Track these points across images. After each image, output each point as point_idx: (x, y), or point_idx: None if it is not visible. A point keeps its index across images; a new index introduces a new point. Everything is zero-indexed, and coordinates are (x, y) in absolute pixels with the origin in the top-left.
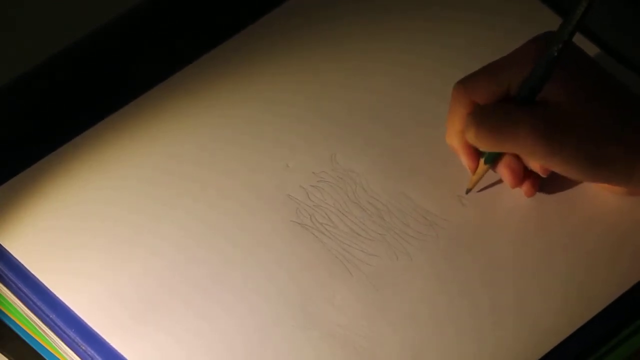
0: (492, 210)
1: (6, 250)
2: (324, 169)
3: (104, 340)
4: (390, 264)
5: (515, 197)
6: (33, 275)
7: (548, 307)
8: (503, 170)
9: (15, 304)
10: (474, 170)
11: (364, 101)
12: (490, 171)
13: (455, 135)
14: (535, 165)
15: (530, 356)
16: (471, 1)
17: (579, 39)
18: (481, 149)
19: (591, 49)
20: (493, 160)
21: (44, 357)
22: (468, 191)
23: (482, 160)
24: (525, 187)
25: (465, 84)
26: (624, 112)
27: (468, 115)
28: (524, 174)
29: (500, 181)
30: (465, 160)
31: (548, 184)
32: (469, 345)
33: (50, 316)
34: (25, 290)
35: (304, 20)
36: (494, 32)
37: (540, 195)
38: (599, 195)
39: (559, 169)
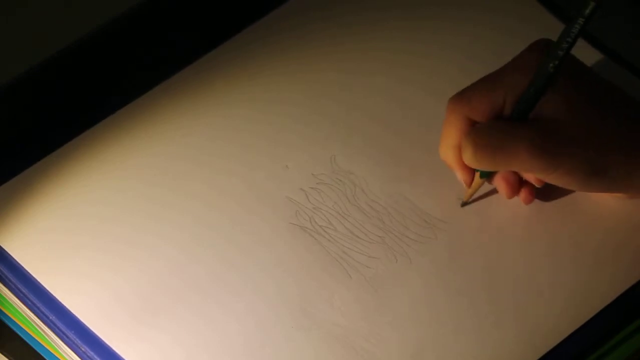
0: (491, 212)
1: (6, 250)
2: (323, 171)
3: (104, 341)
4: (390, 266)
5: (514, 200)
6: (32, 276)
7: (547, 308)
8: (499, 183)
9: (15, 304)
10: (470, 184)
11: (364, 101)
12: None
13: (449, 149)
14: (529, 176)
15: (529, 356)
16: (471, 1)
17: (578, 41)
18: (480, 169)
19: (591, 51)
20: (489, 174)
21: (44, 357)
22: (464, 204)
23: (477, 175)
24: (523, 195)
25: (460, 98)
26: (622, 121)
27: (464, 136)
28: (520, 184)
29: None
30: (460, 175)
31: (548, 186)
32: (468, 347)
33: (50, 317)
34: (25, 291)
35: (304, 20)
36: (494, 32)
37: (539, 197)
38: (598, 198)
39: (558, 182)
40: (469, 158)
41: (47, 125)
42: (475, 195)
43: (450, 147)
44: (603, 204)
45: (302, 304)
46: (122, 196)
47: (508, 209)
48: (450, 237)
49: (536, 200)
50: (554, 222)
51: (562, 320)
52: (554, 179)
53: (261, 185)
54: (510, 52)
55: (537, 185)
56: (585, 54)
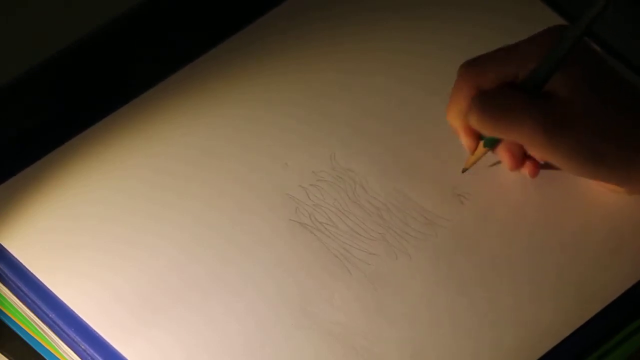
0: (491, 209)
1: (6, 250)
2: (323, 168)
3: (104, 339)
4: (390, 263)
5: (514, 197)
6: (33, 275)
7: (547, 307)
8: (502, 153)
9: (15, 303)
10: (473, 151)
11: (363, 101)
12: (490, 172)
13: (456, 115)
14: (533, 152)
15: (529, 355)
16: (470, 1)
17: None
18: (482, 133)
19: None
20: (493, 144)
21: (44, 357)
22: (464, 170)
23: (481, 143)
24: (528, 168)
25: (473, 66)
26: (626, 110)
27: (472, 98)
28: (523, 157)
29: (499, 180)
30: (465, 140)
31: (548, 183)
32: (467, 344)
33: (50, 316)
34: (25, 290)
35: (304, 20)
36: (493, 32)
37: (539, 195)
38: (599, 196)
39: (558, 162)
40: (474, 121)
41: (47, 125)
42: (475, 195)
43: (458, 112)
44: (603, 202)
45: (302, 303)
46: (122, 196)
47: (508, 206)
48: (451, 234)
49: (536, 198)
50: (554, 221)
51: (561, 319)
52: (553, 158)
53: (261, 184)
54: None
55: (540, 161)
56: None
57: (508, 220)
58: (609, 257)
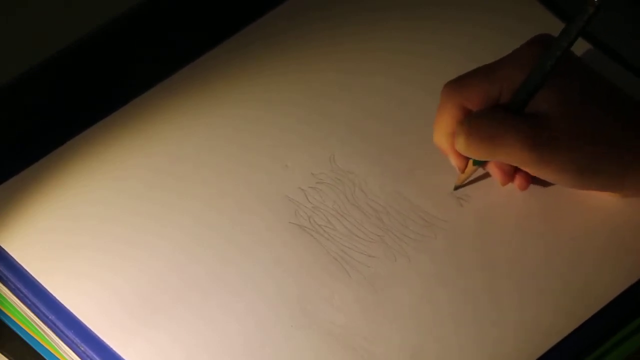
0: (490, 211)
1: (6, 250)
2: (322, 170)
3: (103, 341)
4: (389, 265)
5: (514, 198)
6: (32, 276)
7: (547, 307)
8: (493, 170)
9: (15, 304)
10: (463, 170)
11: (363, 101)
12: (489, 174)
13: (443, 136)
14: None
15: (529, 355)
16: (470, 1)
17: (578, 40)
18: (472, 158)
19: (591, 51)
20: (482, 162)
21: (44, 357)
22: (456, 188)
23: (470, 162)
24: (518, 181)
25: (456, 85)
26: (616, 119)
27: (458, 123)
28: (514, 171)
29: (499, 181)
30: (454, 160)
31: (548, 184)
32: (467, 345)
33: (50, 317)
34: (25, 291)
35: (304, 20)
36: (493, 32)
37: (539, 196)
38: (598, 196)
39: (551, 178)
40: (461, 147)
41: (47, 125)
42: (475, 197)
43: (444, 134)
44: (603, 202)
45: (302, 304)
46: (122, 196)
47: (507, 207)
48: (450, 236)
49: (538, 199)
50: (556, 221)
51: (561, 319)
52: (546, 175)
53: (261, 185)
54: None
55: (532, 174)
56: (586, 53)
57: (507, 222)
58: (610, 257)
